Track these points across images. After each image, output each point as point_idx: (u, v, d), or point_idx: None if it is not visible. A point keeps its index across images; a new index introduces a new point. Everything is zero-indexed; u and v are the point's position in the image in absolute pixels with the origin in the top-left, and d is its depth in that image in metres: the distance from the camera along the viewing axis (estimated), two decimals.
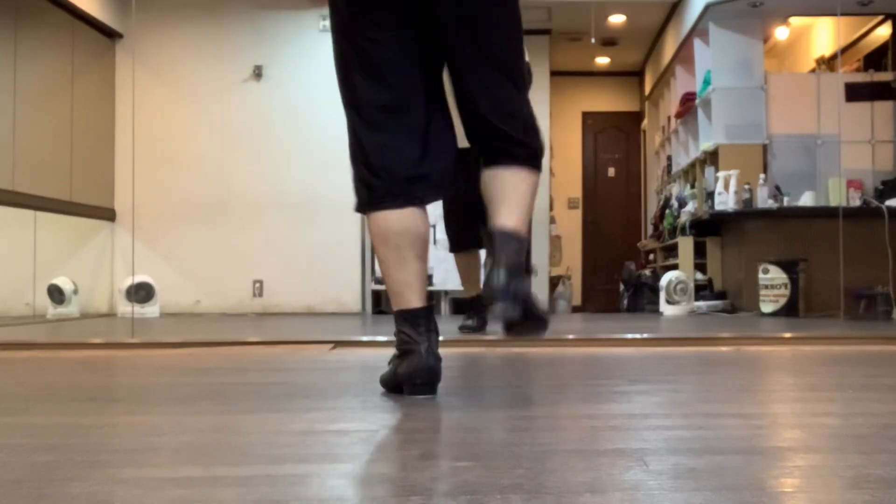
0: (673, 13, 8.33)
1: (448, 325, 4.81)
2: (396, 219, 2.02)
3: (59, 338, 4.44)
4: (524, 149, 2.05)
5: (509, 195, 2.01)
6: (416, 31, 2.04)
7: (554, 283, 8.60)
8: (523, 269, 1.97)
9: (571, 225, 10.24)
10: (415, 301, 2.01)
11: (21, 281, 6.19)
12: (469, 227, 4.15)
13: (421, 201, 2.06)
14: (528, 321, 1.96)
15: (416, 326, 1.99)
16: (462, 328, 4.44)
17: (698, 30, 7.47)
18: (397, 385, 2.04)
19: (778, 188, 6.75)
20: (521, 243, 1.98)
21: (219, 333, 4.76)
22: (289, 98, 7.44)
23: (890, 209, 6.18)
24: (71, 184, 6.81)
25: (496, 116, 2.04)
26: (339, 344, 3.75)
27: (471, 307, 4.52)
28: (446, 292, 7.18)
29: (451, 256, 4.63)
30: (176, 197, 7.39)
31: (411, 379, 1.99)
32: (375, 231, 2.05)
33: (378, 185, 2.03)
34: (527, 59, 4.25)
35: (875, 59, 7.25)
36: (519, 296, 1.91)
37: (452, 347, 3.68)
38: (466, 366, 2.96)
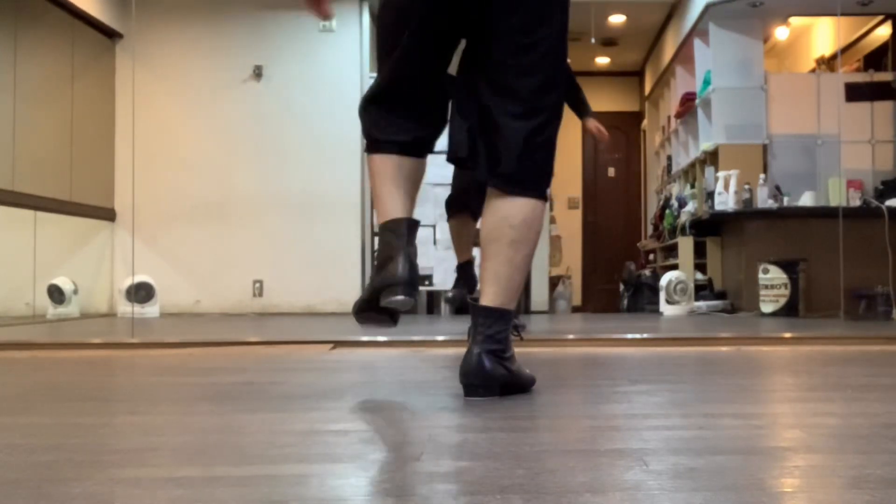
0: (673, 13, 8.33)
1: (449, 326, 4.82)
2: (403, 158, 2.10)
3: (59, 338, 4.44)
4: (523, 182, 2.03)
5: (499, 263, 1.99)
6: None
7: (554, 283, 8.59)
8: (504, 350, 1.96)
9: (571, 225, 10.24)
10: (401, 212, 2.04)
11: (21, 281, 6.19)
12: (468, 193, 4.08)
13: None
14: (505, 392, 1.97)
15: (398, 236, 1.99)
16: (447, 300, 4.43)
17: (698, 30, 7.47)
18: (373, 300, 2.01)
19: (778, 188, 6.75)
20: (504, 321, 1.97)
21: (219, 333, 4.76)
22: (289, 98, 7.44)
23: (890, 209, 6.18)
24: (71, 184, 6.81)
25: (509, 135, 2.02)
26: (339, 344, 3.74)
27: (459, 275, 4.51)
28: (446, 292, 7.18)
29: (451, 256, 4.62)
30: (176, 197, 7.39)
31: (389, 285, 1.95)
32: (379, 161, 2.10)
33: (391, 137, 2.10)
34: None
35: (875, 59, 7.25)
36: (491, 381, 1.93)
37: (453, 347, 3.68)
38: None
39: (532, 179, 2.04)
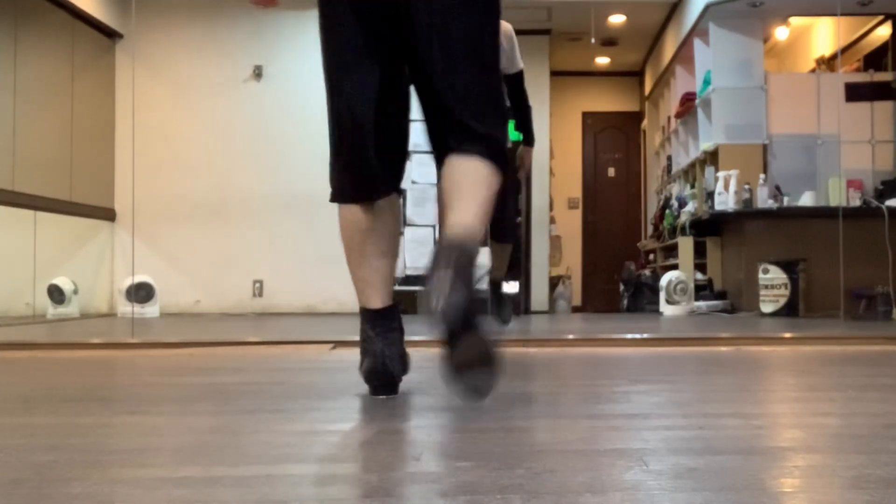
0: (673, 13, 8.33)
1: None
2: (365, 214, 2.04)
3: (59, 338, 4.44)
4: (485, 141, 1.91)
5: (463, 192, 1.86)
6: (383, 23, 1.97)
7: (554, 283, 8.60)
8: (468, 282, 1.74)
9: (571, 225, 10.23)
10: (374, 301, 2.00)
11: (21, 281, 6.19)
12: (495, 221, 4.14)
13: (388, 193, 2.05)
14: (473, 351, 1.77)
15: (374, 326, 1.98)
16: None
17: (698, 30, 7.47)
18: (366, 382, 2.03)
19: (778, 188, 6.75)
20: (468, 253, 1.76)
21: (219, 333, 4.76)
22: (289, 98, 7.44)
23: (890, 209, 6.18)
24: (71, 184, 6.81)
25: (457, 101, 1.92)
26: (339, 344, 3.74)
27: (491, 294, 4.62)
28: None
29: None
30: (176, 197, 7.39)
31: (370, 380, 1.99)
32: (343, 224, 2.08)
33: (346, 179, 2.05)
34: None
35: (875, 59, 7.25)
36: (452, 309, 1.75)
37: None
38: None
39: (489, 120, 1.92)
